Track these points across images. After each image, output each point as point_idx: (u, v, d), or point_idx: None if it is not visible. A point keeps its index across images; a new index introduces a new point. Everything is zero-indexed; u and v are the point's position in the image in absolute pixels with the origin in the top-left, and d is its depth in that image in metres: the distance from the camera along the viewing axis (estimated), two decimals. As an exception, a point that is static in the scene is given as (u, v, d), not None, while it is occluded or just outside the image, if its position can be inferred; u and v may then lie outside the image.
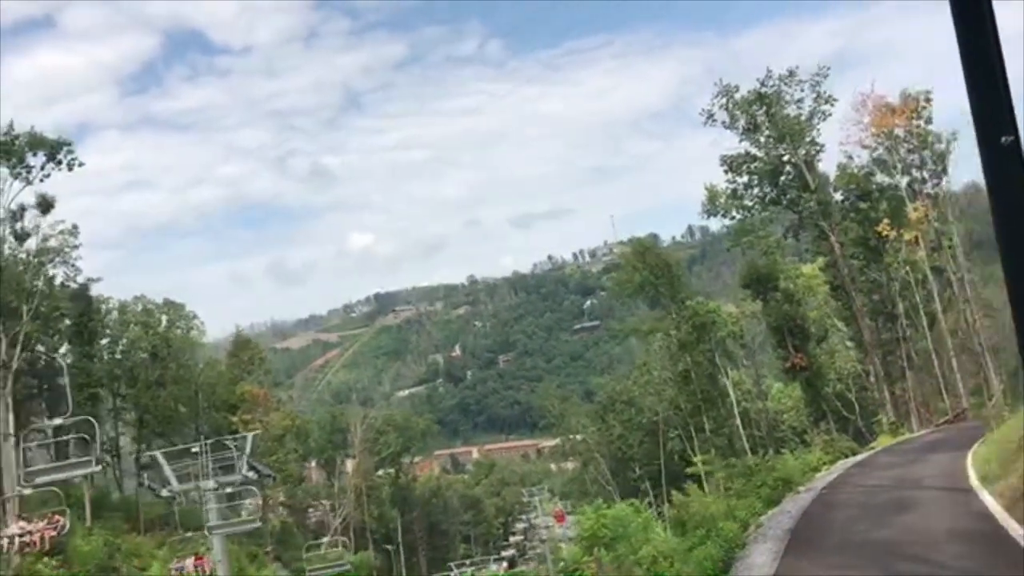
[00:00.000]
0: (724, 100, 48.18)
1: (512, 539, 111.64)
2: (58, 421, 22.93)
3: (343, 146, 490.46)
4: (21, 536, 33.21)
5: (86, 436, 22.54)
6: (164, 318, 72.71)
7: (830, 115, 48.88)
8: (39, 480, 23.19)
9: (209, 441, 27.86)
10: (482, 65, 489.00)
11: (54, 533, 34.08)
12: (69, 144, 48.45)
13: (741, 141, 49.36)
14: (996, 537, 13.25)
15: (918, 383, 53.67)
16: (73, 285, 58.65)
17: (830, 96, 48.26)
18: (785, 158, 48.96)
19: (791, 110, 48.14)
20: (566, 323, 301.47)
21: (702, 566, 12.57)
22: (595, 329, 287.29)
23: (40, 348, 53.25)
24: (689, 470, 55.07)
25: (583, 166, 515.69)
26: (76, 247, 53.96)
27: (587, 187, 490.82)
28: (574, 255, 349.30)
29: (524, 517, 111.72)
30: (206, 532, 24.86)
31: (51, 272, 54.63)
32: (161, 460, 27.41)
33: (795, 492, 23.33)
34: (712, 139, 48.41)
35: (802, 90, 48.21)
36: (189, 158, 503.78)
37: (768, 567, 12.92)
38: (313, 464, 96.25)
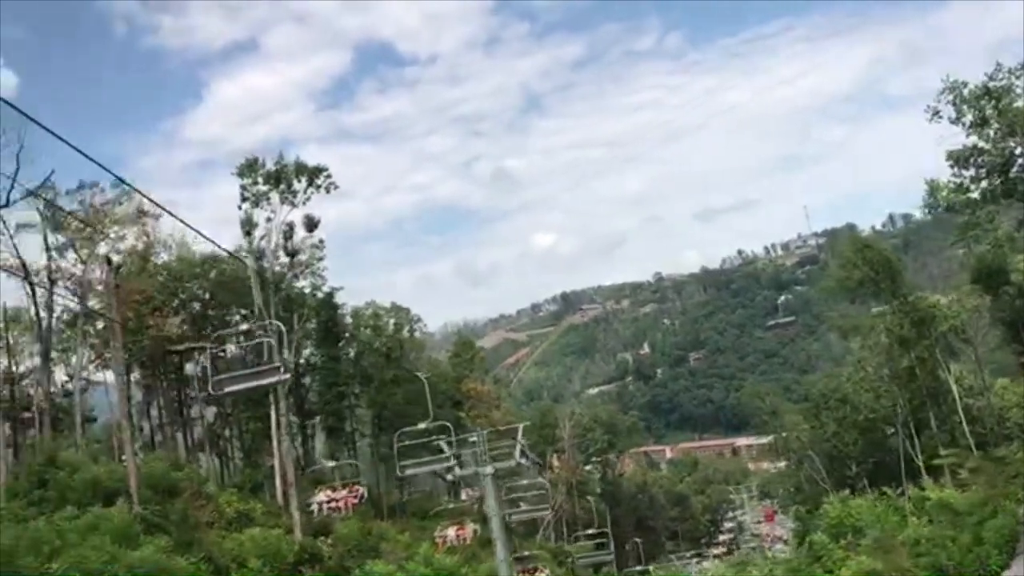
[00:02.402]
0: (951, 96, 47.53)
1: (721, 536, 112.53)
2: (423, 425, 27.43)
3: (525, 148, 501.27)
4: (328, 503, 38.41)
5: (445, 436, 26.83)
6: (391, 321, 78.93)
7: (1065, 105, 47.07)
8: (408, 472, 27.77)
9: (487, 431, 31.58)
10: (661, 59, 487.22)
11: (356, 501, 39.12)
12: (326, 169, 52.90)
13: (968, 136, 48.41)
14: None
15: None
16: (319, 294, 64.55)
17: (1065, 85, 46.51)
18: (1017, 151, 47.70)
19: (1022, 103, 46.91)
20: (759, 319, 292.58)
21: (1000, 533, 14.60)
22: (791, 325, 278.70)
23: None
24: (936, 462, 54.67)
25: (769, 156, 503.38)
26: (322, 259, 59.01)
27: (774, 177, 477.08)
28: (765, 248, 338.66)
29: (732, 515, 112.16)
30: (488, 514, 27.89)
31: (303, 283, 60.98)
32: (446, 448, 31.21)
33: (1054, 482, 24.05)
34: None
35: (1034, 81, 46.77)
36: (381, 167, 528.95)
37: (1059, 537, 14.67)
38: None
